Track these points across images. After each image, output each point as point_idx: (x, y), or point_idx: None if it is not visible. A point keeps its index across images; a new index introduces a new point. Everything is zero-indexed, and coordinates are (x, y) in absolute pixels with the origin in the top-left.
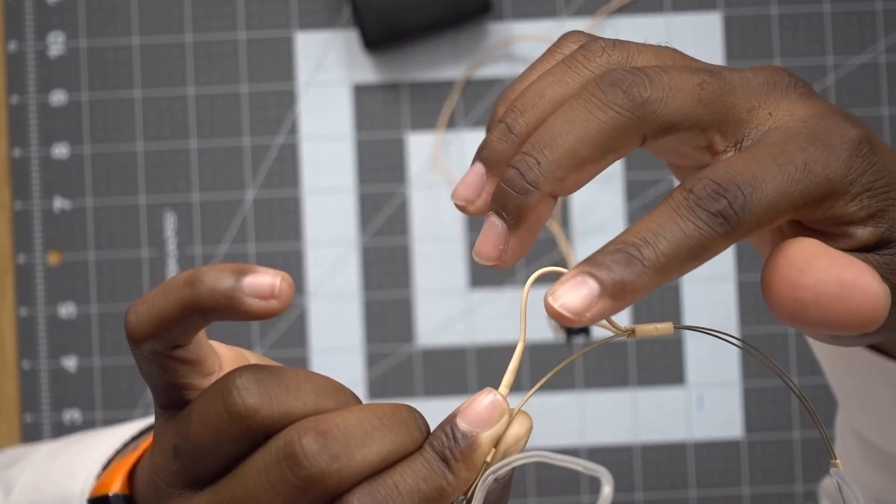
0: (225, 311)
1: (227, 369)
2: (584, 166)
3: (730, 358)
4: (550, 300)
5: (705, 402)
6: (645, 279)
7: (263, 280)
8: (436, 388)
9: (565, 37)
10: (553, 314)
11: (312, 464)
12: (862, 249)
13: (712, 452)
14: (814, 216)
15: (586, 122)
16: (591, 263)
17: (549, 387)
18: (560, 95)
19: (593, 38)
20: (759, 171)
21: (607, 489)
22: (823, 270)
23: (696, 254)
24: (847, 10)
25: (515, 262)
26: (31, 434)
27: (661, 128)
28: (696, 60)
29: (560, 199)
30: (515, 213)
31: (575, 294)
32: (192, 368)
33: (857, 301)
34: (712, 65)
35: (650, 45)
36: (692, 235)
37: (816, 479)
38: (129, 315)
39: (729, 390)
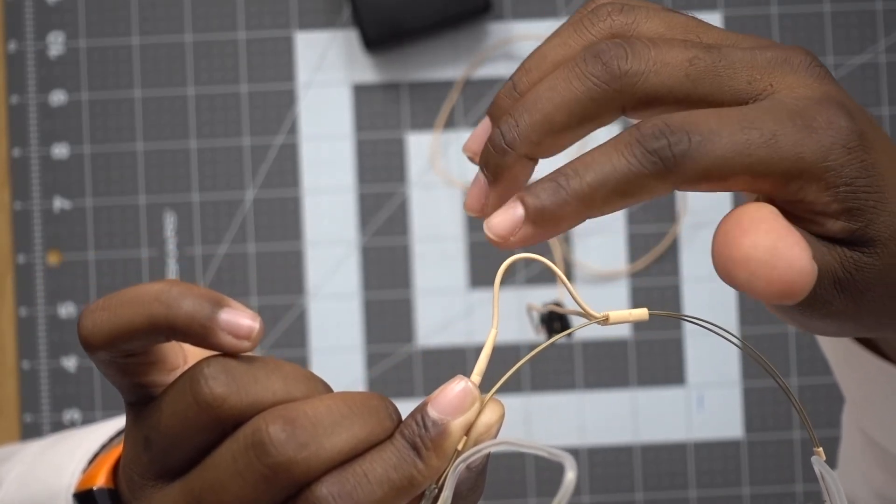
0: (194, 338)
1: (191, 362)
2: (560, 132)
3: (730, 358)
4: (485, 225)
5: (705, 402)
6: (567, 208)
7: (243, 322)
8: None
9: None
10: (488, 238)
11: (280, 452)
12: (832, 242)
13: (712, 452)
14: (783, 194)
15: (564, 91)
16: (526, 190)
17: (550, 387)
18: (561, 57)
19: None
20: (718, 125)
21: (570, 475)
22: (761, 234)
23: (624, 189)
24: (847, 10)
25: None
26: (30, 434)
27: (640, 101)
28: (709, 30)
29: None
30: (494, 171)
31: (502, 218)
32: (152, 367)
33: (780, 272)
34: (728, 35)
35: (664, 10)
36: (620, 169)
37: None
38: (85, 321)
39: (729, 390)
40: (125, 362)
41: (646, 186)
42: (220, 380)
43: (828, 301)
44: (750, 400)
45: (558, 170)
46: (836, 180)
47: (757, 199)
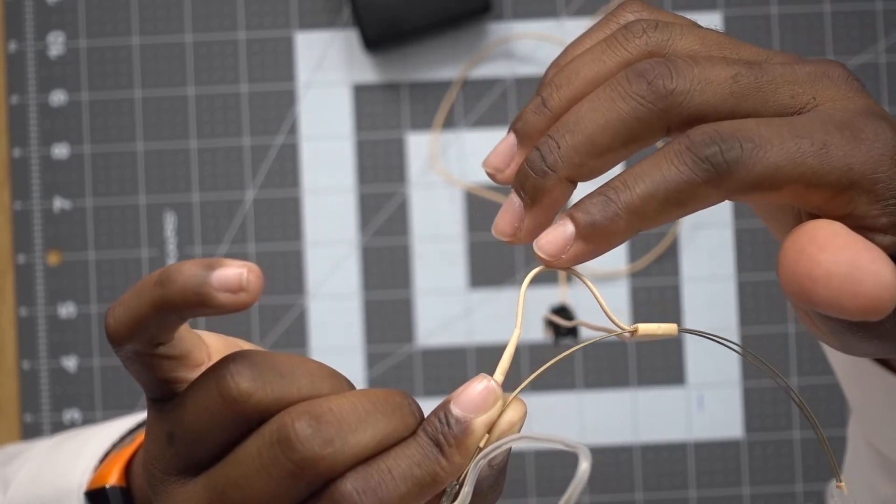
0: (196, 308)
1: (216, 359)
2: (603, 154)
3: (730, 358)
4: (535, 244)
5: (705, 402)
6: (619, 221)
7: (231, 273)
8: (436, 388)
9: (623, 6)
10: (537, 257)
11: (305, 448)
12: None
13: (712, 452)
14: (832, 207)
15: (608, 111)
16: (575, 206)
17: (550, 387)
18: (595, 74)
19: (644, 13)
20: (769, 134)
21: (584, 465)
22: (841, 250)
23: (676, 198)
24: (847, 10)
25: (529, 240)
26: (30, 434)
27: (685, 120)
28: (742, 47)
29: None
30: (532, 194)
31: (552, 237)
32: (178, 363)
33: (867, 287)
34: (760, 51)
35: (696, 27)
36: (671, 178)
37: (816, 479)
38: (108, 318)
39: (729, 390)
40: (151, 355)
41: (698, 195)
42: (246, 375)
43: (881, 321)
44: (750, 400)
45: (606, 183)
46: (886, 192)
47: (799, 217)
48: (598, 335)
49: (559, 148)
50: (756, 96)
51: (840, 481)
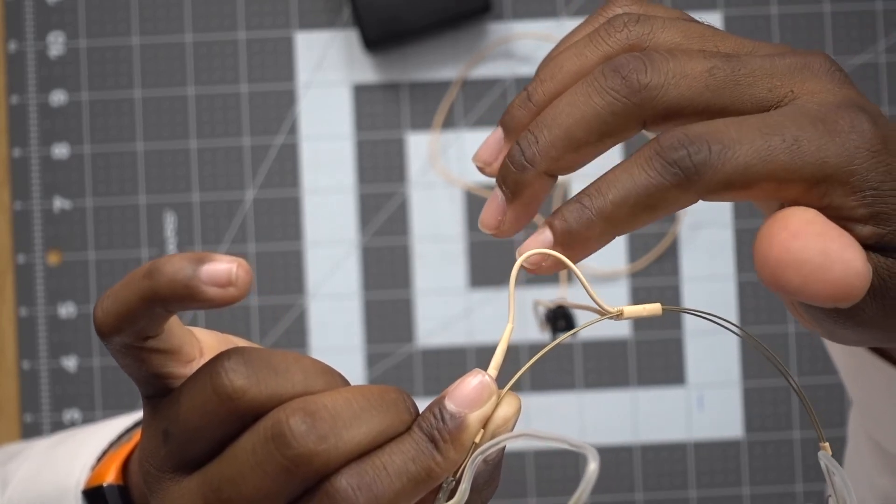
0: (185, 301)
1: (208, 355)
2: (580, 148)
3: (730, 358)
4: (517, 252)
5: (705, 402)
6: (594, 228)
7: (220, 268)
8: (436, 388)
9: (613, 0)
10: (523, 266)
11: (300, 444)
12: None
13: (712, 452)
14: (809, 200)
15: (584, 106)
16: (554, 213)
17: (550, 387)
18: (577, 68)
19: (633, 6)
20: (739, 134)
21: (592, 465)
22: (813, 237)
23: (647, 203)
24: (847, 10)
25: (513, 233)
26: (31, 434)
27: (660, 114)
28: (727, 38)
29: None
30: (512, 188)
31: (532, 245)
32: (168, 357)
33: (837, 274)
34: (746, 43)
35: (680, 20)
36: (641, 183)
37: (816, 479)
38: (96, 310)
39: (729, 390)
40: (140, 348)
41: (668, 198)
42: (241, 372)
43: (861, 308)
44: (750, 400)
45: (583, 190)
46: (862, 184)
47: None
48: (590, 324)
49: (537, 142)
50: (732, 90)
51: (823, 440)
